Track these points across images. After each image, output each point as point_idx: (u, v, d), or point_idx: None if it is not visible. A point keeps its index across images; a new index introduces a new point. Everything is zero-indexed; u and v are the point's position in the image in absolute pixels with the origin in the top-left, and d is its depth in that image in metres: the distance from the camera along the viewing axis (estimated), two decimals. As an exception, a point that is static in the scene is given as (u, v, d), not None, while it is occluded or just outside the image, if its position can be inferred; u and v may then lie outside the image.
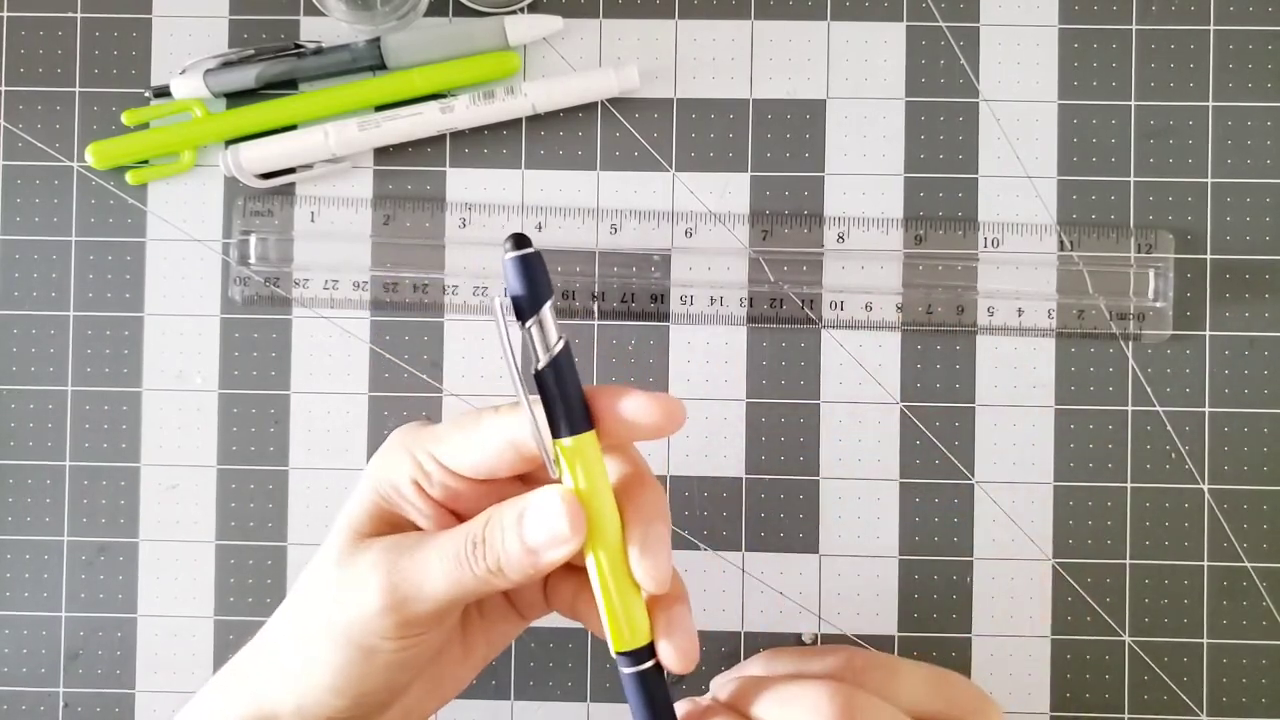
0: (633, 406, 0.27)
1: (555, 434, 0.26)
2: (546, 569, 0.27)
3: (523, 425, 0.27)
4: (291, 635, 0.30)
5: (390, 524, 0.30)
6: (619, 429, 0.27)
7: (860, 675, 0.29)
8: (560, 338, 0.26)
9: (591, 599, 0.28)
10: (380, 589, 0.28)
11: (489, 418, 0.28)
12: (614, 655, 0.27)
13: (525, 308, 0.26)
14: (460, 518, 0.30)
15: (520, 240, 0.26)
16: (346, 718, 0.30)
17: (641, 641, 0.27)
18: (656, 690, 0.27)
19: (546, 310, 0.26)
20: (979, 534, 0.40)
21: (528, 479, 0.31)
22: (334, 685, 0.29)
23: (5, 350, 0.40)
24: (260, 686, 0.30)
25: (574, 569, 0.30)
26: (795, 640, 0.40)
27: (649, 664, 0.27)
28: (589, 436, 0.27)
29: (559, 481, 0.27)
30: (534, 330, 0.26)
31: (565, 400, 0.26)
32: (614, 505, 0.27)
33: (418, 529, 0.30)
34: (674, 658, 0.27)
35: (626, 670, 0.27)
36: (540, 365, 0.26)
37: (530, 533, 0.27)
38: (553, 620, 0.40)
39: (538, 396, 0.27)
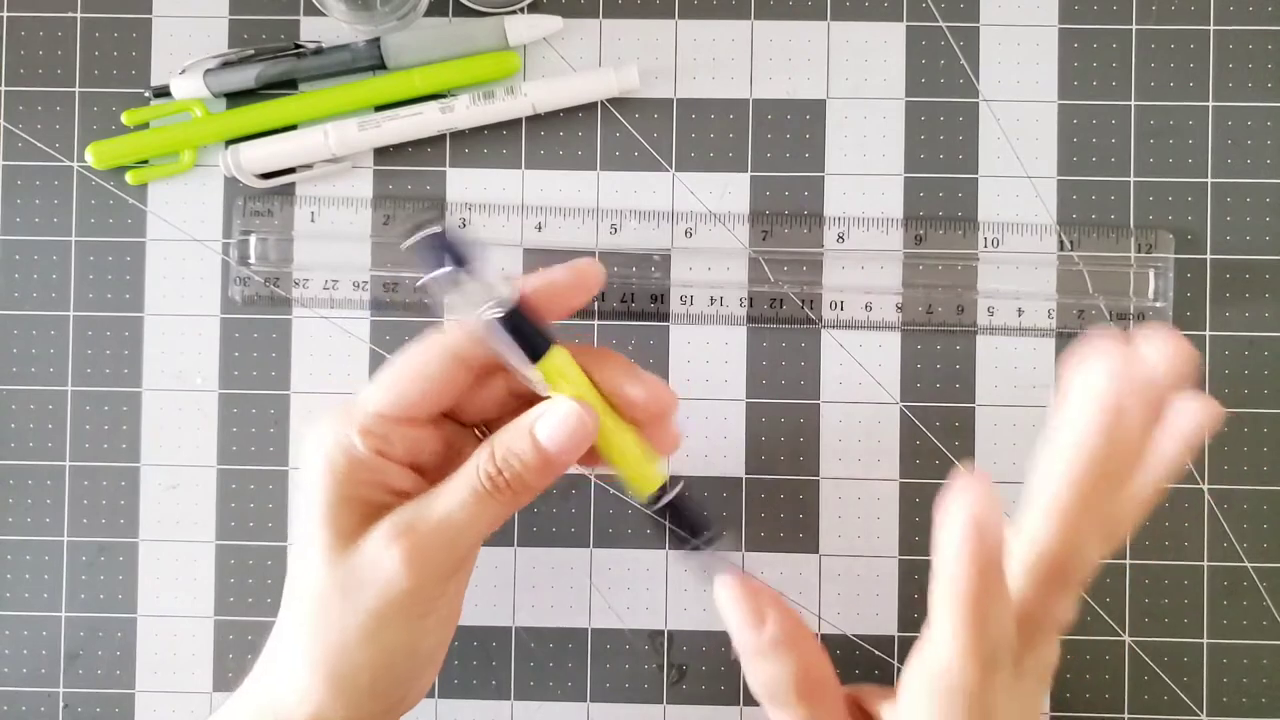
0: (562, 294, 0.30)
1: (534, 359, 0.29)
2: (562, 471, 0.30)
3: (455, 337, 0.30)
4: (317, 658, 0.29)
5: (361, 507, 0.29)
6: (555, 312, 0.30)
7: None
8: (510, 286, 0.29)
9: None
10: (406, 571, 0.28)
11: (417, 349, 0.30)
12: (643, 503, 0.31)
13: (468, 272, 0.29)
14: (414, 466, 0.31)
15: (421, 227, 0.28)
16: (400, 696, 0.31)
17: (659, 482, 0.31)
18: (686, 508, 0.31)
19: (480, 270, 0.29)
20: (979, 534, 0.39)
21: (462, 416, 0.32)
22: (382, 670, 0.29)
23: (5, 350, 0.40)
24: (303, 710, 0.30)
25: None
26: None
27: (673, 493, 0.31)
28: (557, 351, 0.29)
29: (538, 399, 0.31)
30: (475, 289, 0.29)
31: (526, 334, 0.29)
32: (595, 392, 0.30)
33: (379, 493, 0.30)
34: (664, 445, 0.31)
35: (655, 508, 0.31)
36: (501, 314, 0.29)
37: (552, 441, 0.29)
38: (553, 620, 0.40)
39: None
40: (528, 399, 0.31)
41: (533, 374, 0.29)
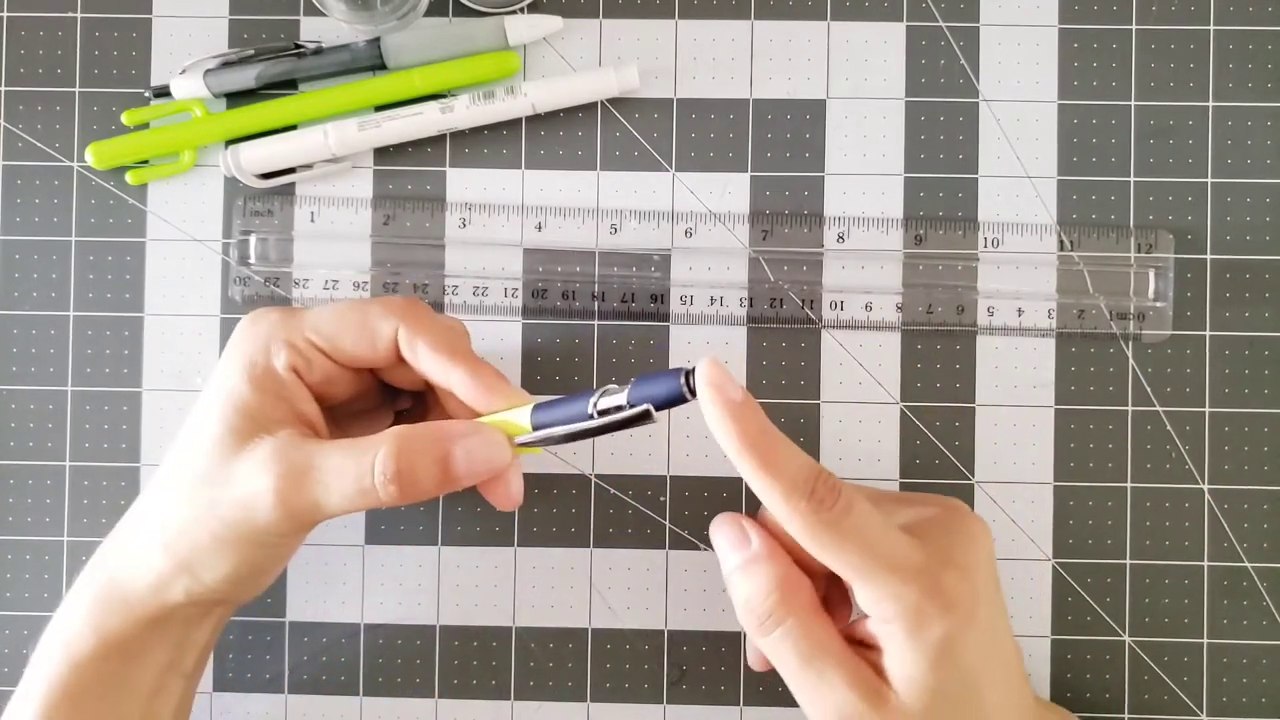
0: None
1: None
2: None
3: (424, 336, 0.32)
4: (181, 530, 0.31)
5: (260, 416, 0.31)
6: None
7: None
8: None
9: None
10: (273, 509, 0.30)
11: (377, 317, 0.32)
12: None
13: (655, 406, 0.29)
14: (320, 397, 0.32)
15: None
16: (239, 591, 0.33)
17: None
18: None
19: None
20: (979, 534, 0.40)
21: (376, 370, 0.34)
22: (233, 574, 0.31)
23: (5, 350, 0.40)
24: (151, 580, 0.31)
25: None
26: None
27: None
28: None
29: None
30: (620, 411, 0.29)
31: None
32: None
33: (282, 409, 0.31)
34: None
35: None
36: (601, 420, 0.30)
37: (468, 470, 0.30)
38: (553, 620, 0.40)
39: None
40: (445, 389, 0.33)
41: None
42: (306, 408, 0.32)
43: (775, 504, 0.29)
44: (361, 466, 0.30)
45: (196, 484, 0.31)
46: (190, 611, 0.32)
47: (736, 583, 0.31)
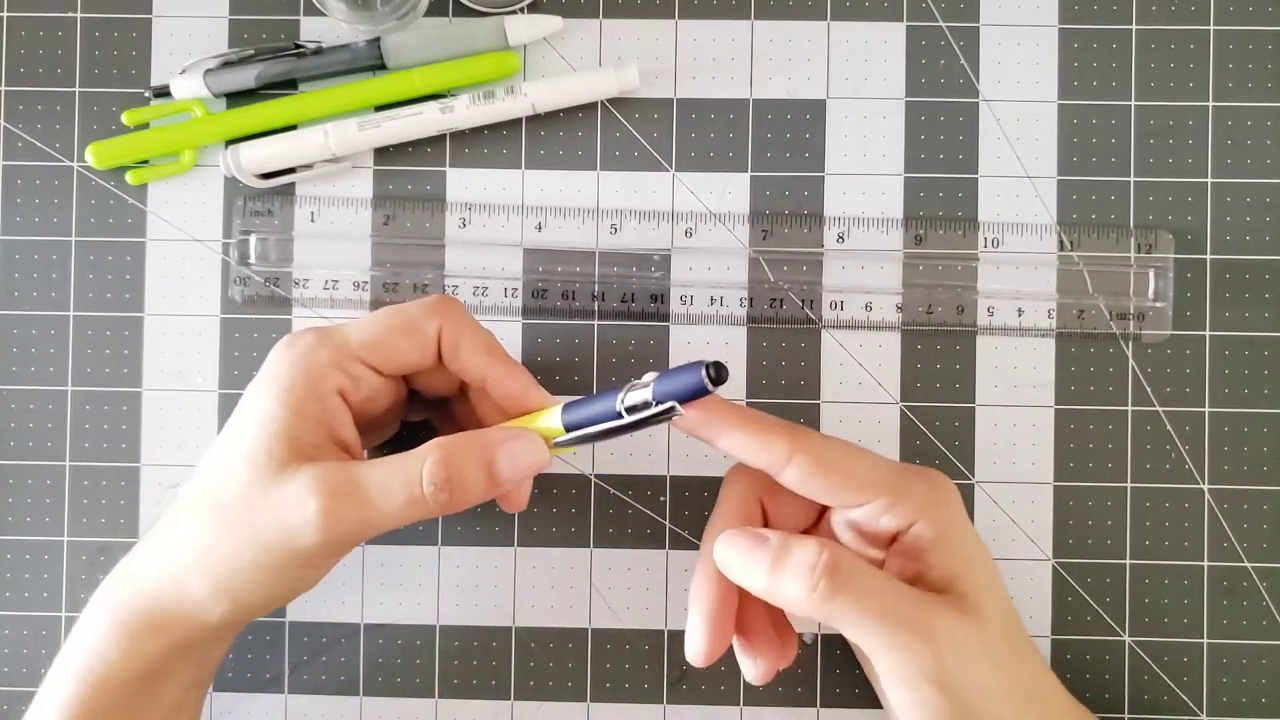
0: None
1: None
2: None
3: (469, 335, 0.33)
4: (219, 556, 0.30)
5: (298, 441, 0.30)
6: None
7: None
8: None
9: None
10: (319, 530, 0.29)
11: (420, 318, 0.32)
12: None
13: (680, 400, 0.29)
14: (359, 414, 0.32)
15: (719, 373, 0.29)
16: (272, 609, 0.33)
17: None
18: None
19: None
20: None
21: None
22: (267, 597, 0.31)
23: (5, 350, 0.40)
24: (187, 605, 0.31)
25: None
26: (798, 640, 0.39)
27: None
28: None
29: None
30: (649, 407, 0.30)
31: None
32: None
33: (320, 434, 0.31)
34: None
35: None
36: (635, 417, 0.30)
37: (510, 475, 0.31)
38: (553, 620, 0.40)
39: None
40: (477, 388, 0.33)
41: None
42: (345, 432, 0.32)
43: (764, 456, 0.31)
44: (410, 478, 0.30)
45: (234, 510, 0.30)
46: (221, 633, 0.32)
47: (781, 581, 0.30)
